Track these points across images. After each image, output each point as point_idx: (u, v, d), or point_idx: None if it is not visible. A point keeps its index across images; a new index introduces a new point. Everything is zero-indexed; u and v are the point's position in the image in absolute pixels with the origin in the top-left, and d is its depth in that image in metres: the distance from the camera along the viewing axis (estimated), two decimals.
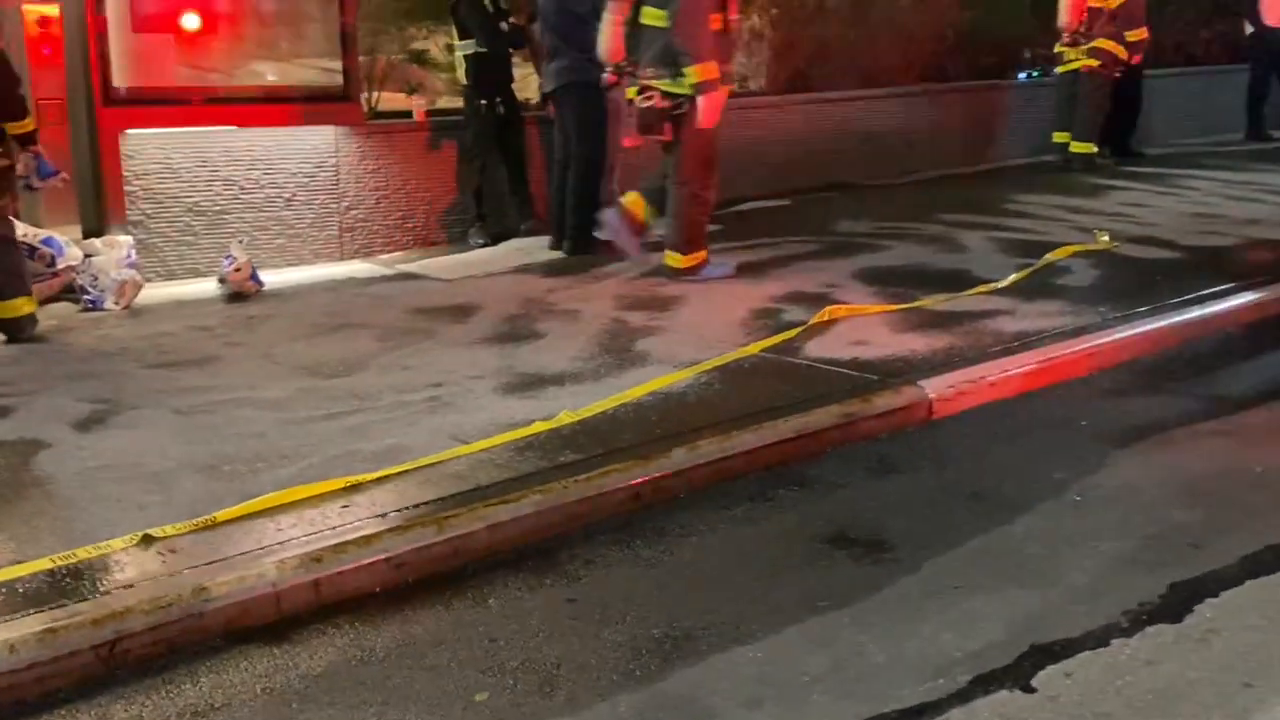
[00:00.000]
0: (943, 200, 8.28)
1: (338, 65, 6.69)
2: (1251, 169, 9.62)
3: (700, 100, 5.87)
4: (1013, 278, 5.87)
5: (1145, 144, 11.23)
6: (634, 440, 3.78)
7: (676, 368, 4.56)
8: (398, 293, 6.11)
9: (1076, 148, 9.77)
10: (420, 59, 7.84)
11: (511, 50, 7.27)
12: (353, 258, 6.97)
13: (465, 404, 4.21)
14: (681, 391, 4.29)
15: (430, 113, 7.58)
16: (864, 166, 9.49)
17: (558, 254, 6.91)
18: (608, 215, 6.51)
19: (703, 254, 6.21)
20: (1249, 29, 11.53)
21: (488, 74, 7.08)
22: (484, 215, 7.31)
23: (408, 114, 7.70)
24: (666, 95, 5.94)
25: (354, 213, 6.97)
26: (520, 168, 7.38)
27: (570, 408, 4.07)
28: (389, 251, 7.11)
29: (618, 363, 4.69)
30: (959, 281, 5.86)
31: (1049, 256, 6.33)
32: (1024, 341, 4.82)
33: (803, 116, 9.40)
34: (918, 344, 4.82)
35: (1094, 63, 9.56)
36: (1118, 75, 9.82)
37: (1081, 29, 9.58)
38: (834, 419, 4.02)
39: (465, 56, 7.14)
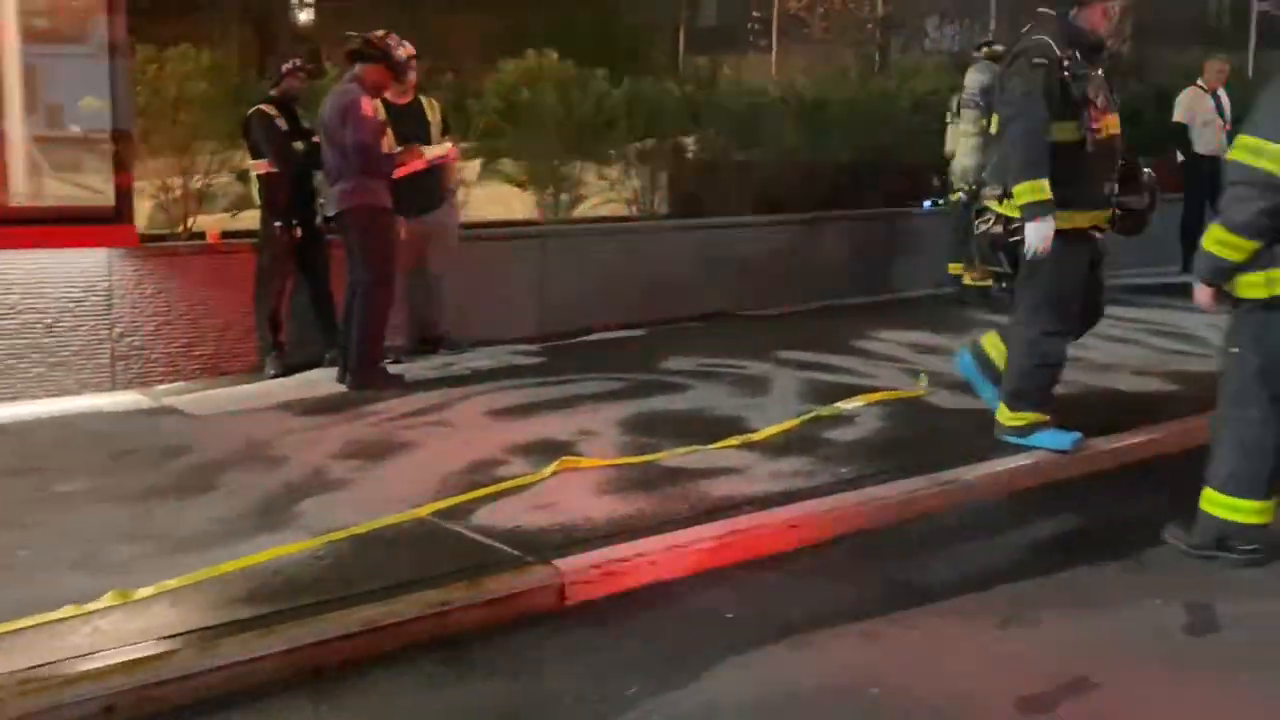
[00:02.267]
0: (797, 335, 7.75)
1: (109, 184, 6.35)
2: (1152, 304, 9.01)
3: (1026, 227, 4.88)
4: (772, 429, 5.31)
5: None
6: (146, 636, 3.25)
7: (314, 534, 4.04)
8: (124, 431, 5.65)
9: (969, 280, 9.24)
10: (244, 177, 7.54)
11: (312, 170, 6.91)
12: (128, 387, 6.54)
13: (27, 575, 3.71)
14: (280, 567, 3.76)
15: (228, 234, 7.22)
16: (744, 296, 8.99)
17: (342, 388, 6.46)
18: (963, 359, 5.57)
19: (1039, 415, 5.13)
20: (1180, 157, 11.04)
21: (282, 194, 6.72)
22: (281, 343, 6.89)
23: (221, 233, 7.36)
24: (1000, 218, 5.05)
25: (129, 339, 6.57)
26: (323, 293, 6.98)
27: (144, 583, 3.57)
28: (171, 381, 6.68)
29: (257, 525, 4.17)
30: (728, 430, 5.33)
31: (841, 404, 5.78)
32: (723, 509, 4.26)
33: (684, 242, 8.98)
34: (610, 508, 4.28)
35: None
36: None
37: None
38: (421, 609, 3.45)
39: (258, 176, 6.81)
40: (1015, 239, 4.94)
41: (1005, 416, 5.16)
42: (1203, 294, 4.05)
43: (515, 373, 6.71)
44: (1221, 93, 10.95)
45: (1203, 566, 4.03)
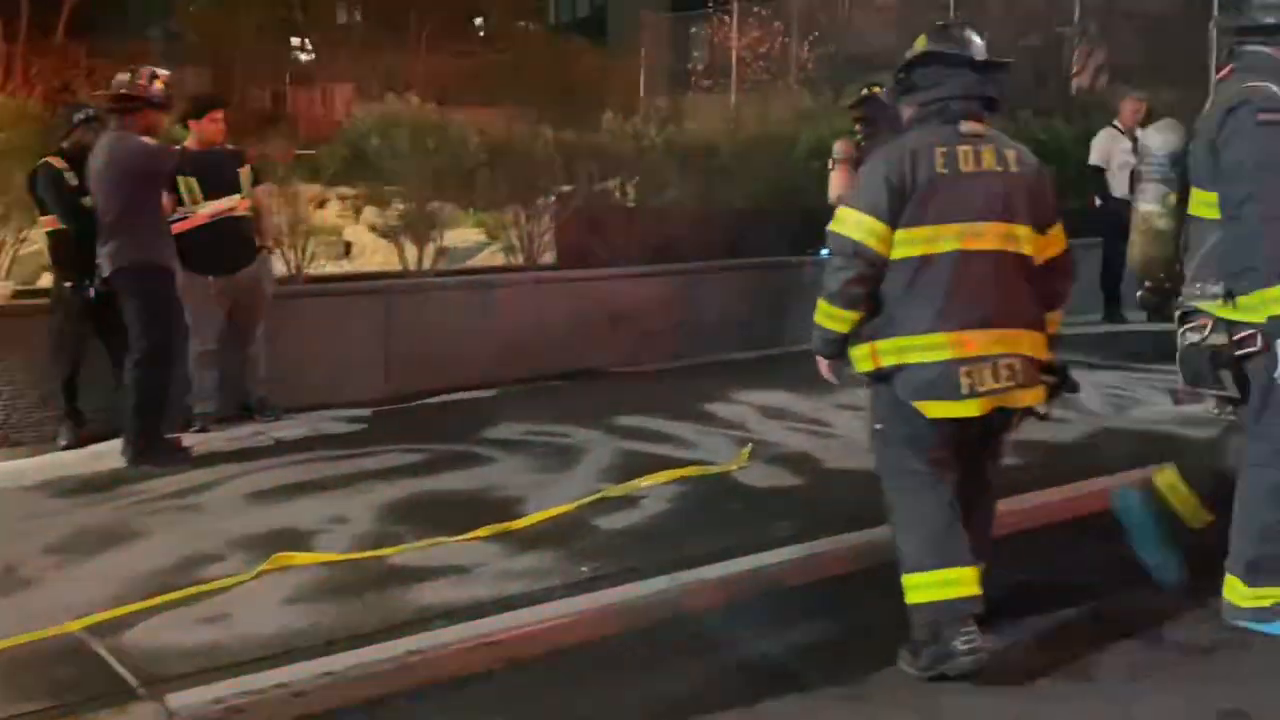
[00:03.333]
0: (652, 396, 7.25)
1: None
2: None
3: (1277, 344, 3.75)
4: (537, 516, 4.80)
5: None
6: None
7: None
8: None
9: None
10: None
11: None
12: None
13: None
14: None
15: (21, 293, 6.78)
16: (620, 351, 8.50)
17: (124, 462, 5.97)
18: (1124, 500, 4.40)
19: None
20: (1097, 202, 10.54)
21: (71, 253, 6.27)
22: (77, 410, 6.42)
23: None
24: (1222, 323, 3.86)
25: None
26: (124, 356, 6.51)
27: None
28: None
29: None
30: (500, 515, 4.82)
31: (638, 482, 5.28)
32: (420, 621, 3.75)
33: (556, 295, 8.51)
34: (287, 622, 3.77)
35: None
36: None
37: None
38: None
39: (47, 234, 6.37)
40: (1247, 352, 3.80)
41: (1240, 595, 3.89)
42: (821, 366, 3.91)
43: (319, 444, 6.22)
44: (1139, 133, 10.46)
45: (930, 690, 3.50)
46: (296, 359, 7.27)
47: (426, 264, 8.57)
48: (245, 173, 6.64)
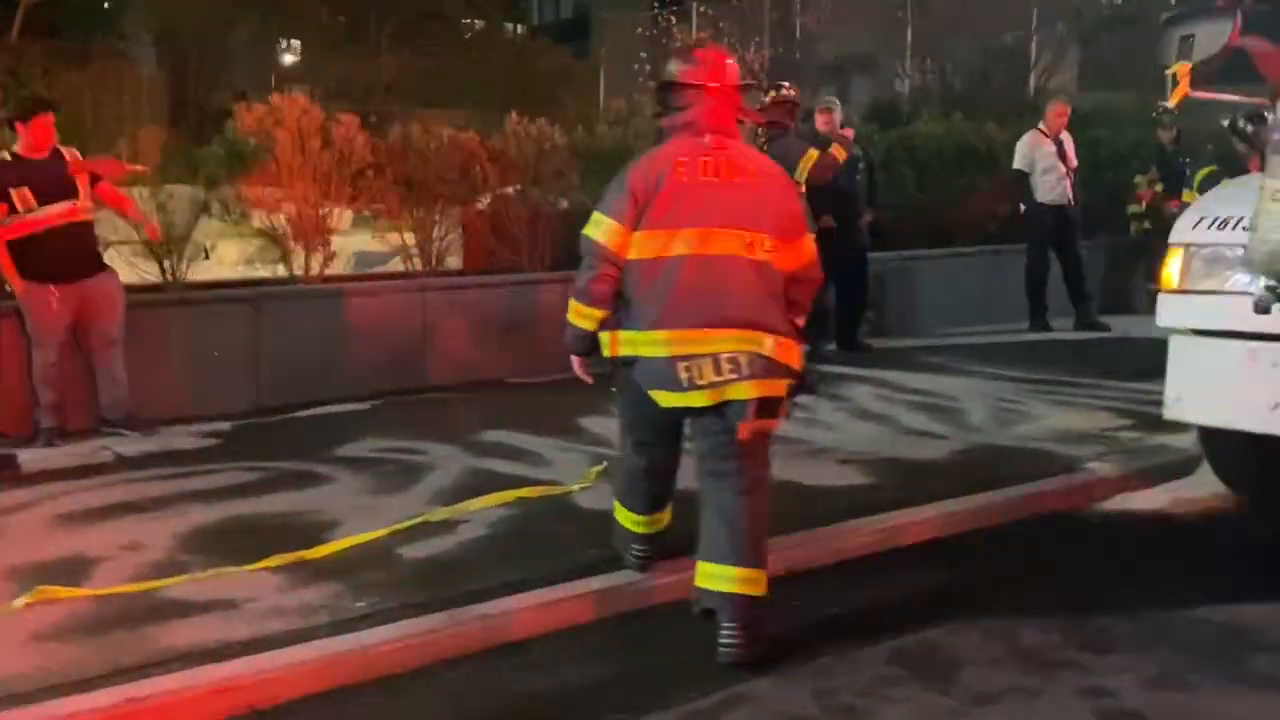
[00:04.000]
0: (533, 408, 6.99)
1: None
2: (949, 370, 8.24)
3: None
4: (341, 544, 4.52)
5: (913, 334, 9.99)
6: None
7: None
8: None
9: None
10: None
11: None
12: None
13: None
14: None
15: None
16: (517, 361, 8.22)
17: None
18: None
19: None
20: (1022, 207, 10.30)
21: None
22: None
23: None
24: None
25: None
26: None
27: None
28: None
29: None
30: (308, 540, 4.55)
31: (467, 504, 5.02)
32: (159, 663, 3.48)
33: (453, 302, 8.24)
34: (25, 665, 3.49)
35: None
36: None
37: None
38: None
39: None
40: None
41: None
42: (574, 364, 4.12)
43: (160, 462, 5.95)
44: (1065, 137, 10.22)
45: None
46: (162, 370, 7.02)
47: (315, 270, 8.32)
48: (84, 177, 6.35)
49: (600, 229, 3.85)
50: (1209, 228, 4.48)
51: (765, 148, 8.43)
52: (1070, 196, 10.14)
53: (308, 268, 8.26)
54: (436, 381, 7.84)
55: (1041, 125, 10.20)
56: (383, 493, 5.34)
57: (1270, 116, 4.23)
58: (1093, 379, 7.69)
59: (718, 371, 3.72)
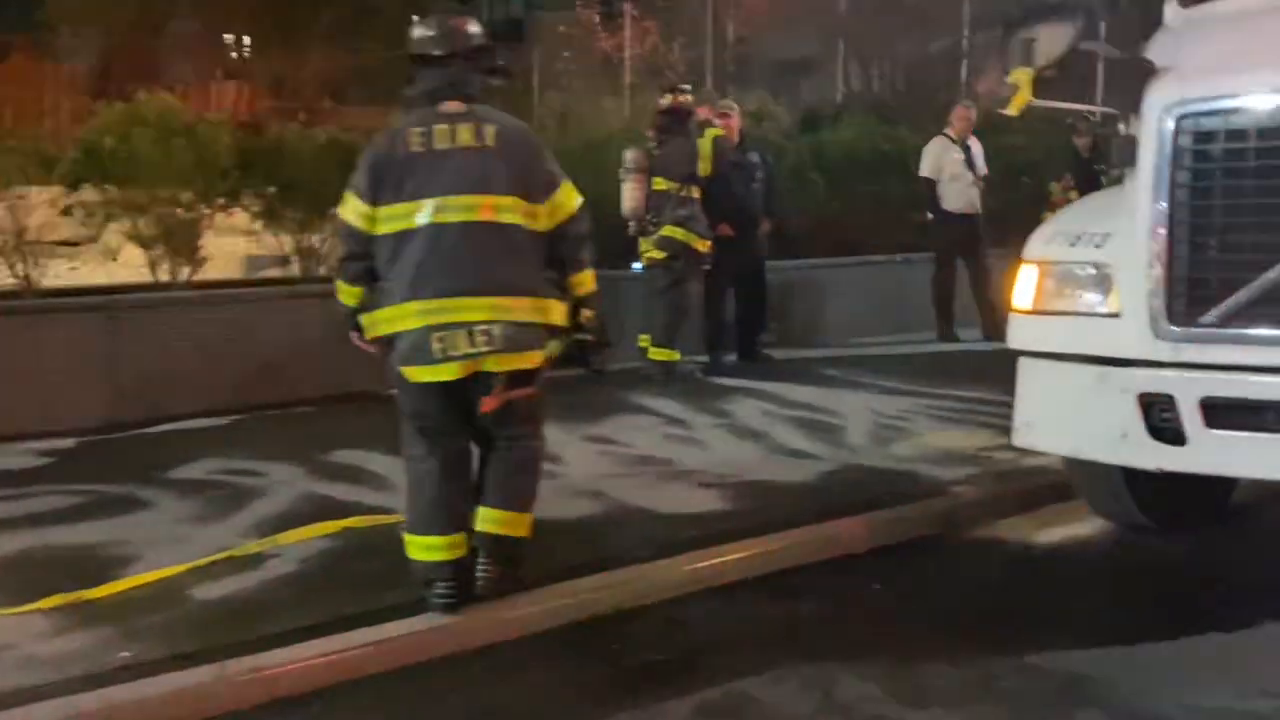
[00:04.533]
0: (388, 426, 6.63)
1: None
2: (857, 384, 7.98)
3: None
4: (125, 583, 4.14)
5: (818, 344, 9.73)
6: None
7: None
8: None
9: (654, 354, 8.18)
10: None
11: None
12: None
13: None
14: None
15: None
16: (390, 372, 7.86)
17: None
18: None
19: None
20: (929, 216, 10.09)
21: None
22: None
23: None
24: None
25: None
26: None
27: None
28: None
29: None
30: (90, 578, 4.16)
31: (285, 536, 4.67)
32: None
33: (328, 311, 7.86)
34: None
35: (659, 254, 8.07)
36: (706, 268, 8.36)
37: (650, 216, 8.12)
38: None
39: None
40: None
41: None
42: (353, 338, 4.15)
43: None
44: (973, 142, 10.02)
45: None
46: (5, 384, 6.61)
47: (185, 275, 7.93)
48: None
49: (347, 207, 3.96)
50: (1061, 244, 4.23)
51: (655, 150, 8.18)
52: (978, 205, 9.94)
53: (174, 273, 7.86)
54: (306, 394, 7.44)
55: (948, 130, 10.00)
56: (201, 521, 4.96)
57: (1122, 128, 4.00)
58: (984, 394, 7.44)
59: (471, 343, 3.80)
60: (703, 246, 8.07)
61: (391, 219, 3.87)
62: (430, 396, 3.91)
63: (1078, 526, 5.03)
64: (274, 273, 9.44)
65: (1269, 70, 3.63)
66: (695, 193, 8.16)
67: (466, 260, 3.82)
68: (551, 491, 5.25)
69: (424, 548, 3.95)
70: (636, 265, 9.23)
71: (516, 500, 4.07)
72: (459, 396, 3.92)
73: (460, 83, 3.98)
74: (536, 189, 3.94)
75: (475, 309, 3.80)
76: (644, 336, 8.29)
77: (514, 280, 3.87)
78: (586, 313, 4.14)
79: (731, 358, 9.02)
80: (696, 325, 8.89)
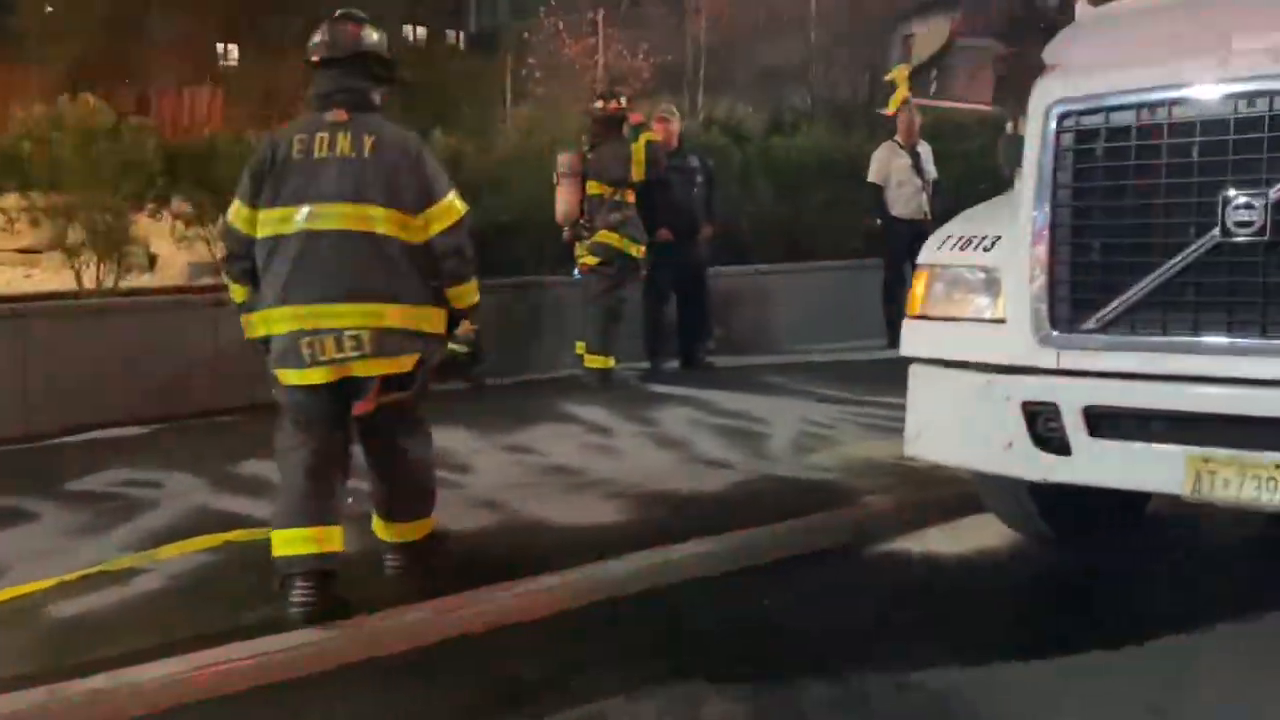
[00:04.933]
0: None
1: None
2: (793, 391, 7.86)
3: None
4: None
5: (764, 350, 9.61)
6: None
7: None
8: None
9: (590, 361, 8.05)
10: None
11: None
12: None
13: None
14: None
15: None
16: None
17: None
18: None
19: None
20: (877, 222, 9.97)
21: None
22: None
23: None
24: None
25: None
26: None
27: None
28: None
29: None
30: None
31: (162, 550, 4.52)
32: None
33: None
34: None
35: (593, 260, 7.95)
36: (643, 274, 8.25)
37: (583, 220, 8.00)
38: None
39: None
40: None
41: None
42: (246, 325, 4.16)
43: None
44: (923, 147, 9.89)
45: None
46: None
47: (110, 282, 7.80)
48: None
49: (231, 209, 4.07)
50: (952, 248, 4.10)
51: (589, 154, 8.06)
52: (927, 210, 9.82)
53: (99, 280, 7.73)
54: (228, 403, 7.29)
55: (896, 136, 9.89)
56: (84, 534, 4.82)
57: (1010, 127, 3.88)
58: None
59: (339, 348, 3.85)
60: (638, 252, 7.96)
61: (268, 223, 3.96)
62: (304, 399, 3.95)
63: (987, 538, 4.89)
64: (211, 280, 9.33)
65: (1149, 67, 3.52)
66: (630, 197, 8.05)
67: (337, 268, 3.88)
68: (452, 502, 5.15)
69: (285, 541, 3.89)
70: (575, 272, 9.15)
71: (412, 513, 4.27)
72: (334, 400, 3.95)
73: (347, 89, 4.03)
74: (411, 200, 3.97)
75: (345, 315, 3.86)
76: (581, 343, 8.18)
77: (385, 288, 3.92)
78: (465, 324, 4.20)
79: (674, 364, 8.91)
80: (642, 331, 8.81)
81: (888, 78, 3.59)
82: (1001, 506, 4.68)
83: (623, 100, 8.19)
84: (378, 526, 4.29)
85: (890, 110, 3.54)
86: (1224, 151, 3.32)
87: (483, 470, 5.76)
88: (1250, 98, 3.29)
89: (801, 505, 5.13)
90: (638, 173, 7.97)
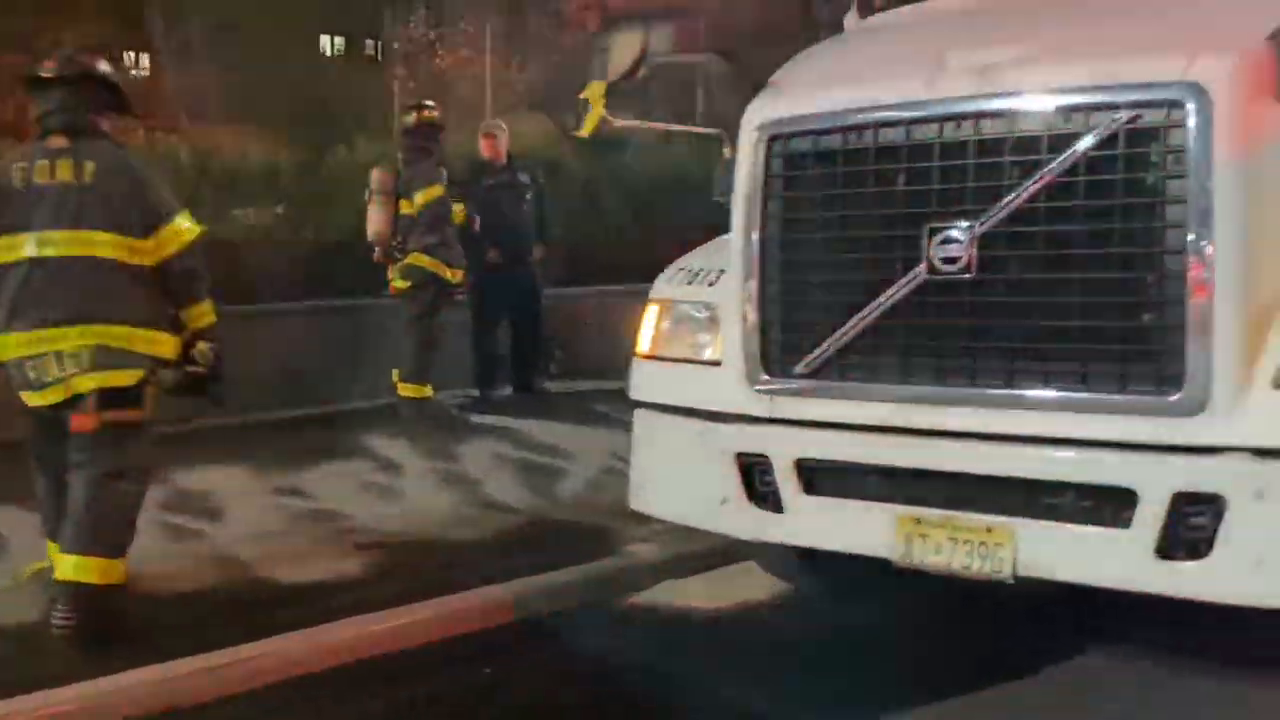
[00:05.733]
0: None
1: None
2: (621, 421, 7.34)
3: None
4: None
5: (607, 375, 9.18)
6: None
7: None
8: None
9: (403, 390, 7.61)
10: None
11: None
12: None
13: None
14: None
15: None
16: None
17: None
18: None
19: None
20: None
21: None
22: None
23: None
24: None
25: None
26: None
27: None
28: None
29: None
30: None
31: None
32: None
33: None
34: None
35: (403, 284, 7.52)
36: (459, 298, 7.85)
37: (395, 241, 7.56)
38: None
39: None
40: None
41: None
42: None
43: None
44: None
45: None
46: None
47: None
48: None
49: None
50: (681, 282, 3.75)
51: (401, 170, 7.64)
52: None
53: None
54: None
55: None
56: None
57: (727, 152, 3.55)
58: None
59: (60, 367, 3.88)
60: (452, 276, 7.53)
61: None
62: (38, 422, 4.04)
63: (750, 589, 4.53)
64: None
65: (858, 86, 3.19)
66: (459, 216, 7.66)
67: (62, 293, 3.91)
68: (185, 554, 4.75)
69: (50, 553, 4.08)
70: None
71: (100, 544, 3.97)
72: (54, 420, 3.99)
73: (68, 111, 4.02)
74: (138, 225, 3.98)
75: (68, 338, 3.90)
76: (396, 371, 7.73)
77: (110, 312, 3.93)
78: (201, 345, 4.16)
79: (507, 392, 8.52)
80: (472, 358, 8.42)
81: (582, 95, 3.24)
82: (760, 555, 4.33)
83: (434, 112, 7.75)
84: (58, 560, 3.99)
85: (585, 132, 3.20)
86: (930, 180, 3.01)
87: (234, 517, 5.27)
88: (956, 120, 2.97)
89: (566, 556, 4.75)
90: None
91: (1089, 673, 3.64)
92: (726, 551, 4.79)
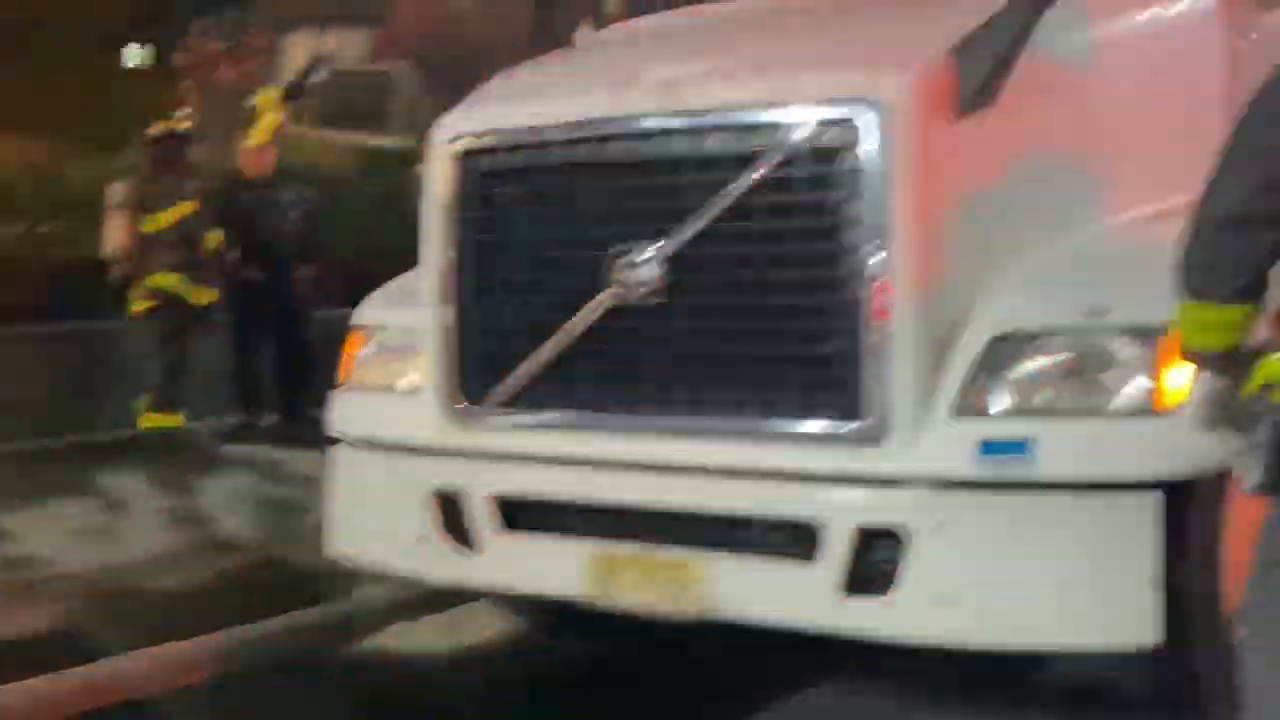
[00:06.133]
0: None
1: None
2: None
3: None
4: None
5: None
6: None
7: None
8: None
9: (147, 420, 7.08)
10: None
11: None
12: None
13: None
14: None
15: None
16: None
17: None
18: None
19: None
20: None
21: None
22: None
23: None
24: None
25: None
26: None
27: None
28: None
29: None
30: None
31: None
32: None
33: None
34: None
35: (144, 305, 7.01)
36: (213, 320, 7.39)
37: (136, 260, 7.05)
38: None
39: None
40: None
41: None
42: None
43: None
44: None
45: None
46: None
47: None
48: None
49: None
50: (389, 303, 3.52)
51: (143, 184, 7.13)
52: None
53: None
54: None
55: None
56: None
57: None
58: None
59: None
60: (199, 298, 7.05)
61: None
62: None
63: (491, 629, 4.31)
64: None
65: (550, 100, 3.03)
66: (212, 239, 7.18)
67: None
68: None
69: None
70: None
71: None
72: None
73: None
74: None
75: None
76: (141, 400, 7.20)
77: None
78: None
79: (274, 419, 8.06)
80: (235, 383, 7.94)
81: (253, 102, 2.99)
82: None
83: (183, 123, 7.26)
84: None
85: (254, 143, 2.99)
86: (617, 200, 2.86)
87: None
88: (639, 138, 2.83)
89: (291, 600, 4.43)
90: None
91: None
92: (458, 591, 4.58)
